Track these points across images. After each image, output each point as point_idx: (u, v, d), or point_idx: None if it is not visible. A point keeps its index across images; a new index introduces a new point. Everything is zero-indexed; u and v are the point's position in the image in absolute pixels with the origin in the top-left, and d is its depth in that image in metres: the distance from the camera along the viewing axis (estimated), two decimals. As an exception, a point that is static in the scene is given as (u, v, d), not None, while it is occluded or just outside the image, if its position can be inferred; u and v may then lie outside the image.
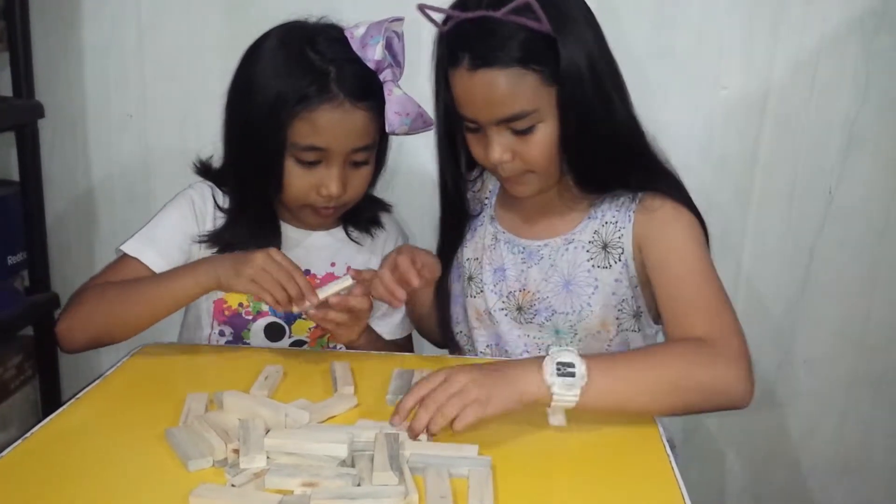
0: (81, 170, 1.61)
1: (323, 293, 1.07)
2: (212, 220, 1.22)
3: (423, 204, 1.39)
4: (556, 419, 0.94)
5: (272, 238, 1.20)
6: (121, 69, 1.55)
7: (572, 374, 0.90)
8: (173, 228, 1.19)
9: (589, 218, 1.17)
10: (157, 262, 1.15)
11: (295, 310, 1.06)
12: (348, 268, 1.25)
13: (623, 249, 1.14)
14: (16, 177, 1.55)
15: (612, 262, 1.15)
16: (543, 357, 0.92)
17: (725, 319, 1.04)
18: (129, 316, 1.09)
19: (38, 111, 1.51)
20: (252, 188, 1.18)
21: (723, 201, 1.50)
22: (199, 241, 1.20)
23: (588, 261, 1.16)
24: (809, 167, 1.48)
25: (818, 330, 1.57)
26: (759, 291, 1.55)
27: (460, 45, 1.05)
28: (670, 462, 0.87)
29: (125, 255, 1.17)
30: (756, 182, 1.50)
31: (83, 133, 1.59)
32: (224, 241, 1.20)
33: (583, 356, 0.92)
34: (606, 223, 1.16)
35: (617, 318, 1.17)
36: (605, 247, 1.15)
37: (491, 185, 1.29)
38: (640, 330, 1.19)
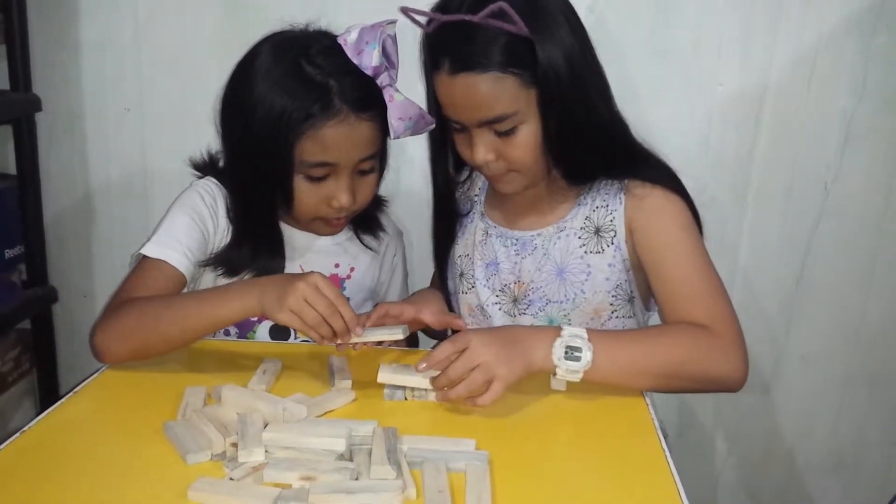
0: (78, 163, 1.61)
1: (370, 336, 1.02)
2: (224, 219, 1.20)
3: (423, 204, 1.38)
4: (558, 385, 1.02)
5: (275, 259, 1.19)
6: (118, 63, 1.55)
7: (578, 359, 0.97)
8: (190, 227, 1.15)
9: (578, 205, 1.18)
10: (183, 261, 1.12)
11: (338, 342, 1.01)
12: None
13: (616, 232, 1.15)
14: (13, 170, 1.55)
15: (604, 246, 1.16)
16: (557, 331, 0.98)
17: (721, 307, 1.08)
18: (172, 334, 1.04)
19: (36, 105, 1.51)
20: (259, 207, 1.17)
21: (720, 197, 1.50)
22: (204, 266, 1.18)
23: (580, 247, 1.17)
24: (806, 164, 1.49)
25: (814, 326, 1.58)
26: (756, 287, 1.56)
27: (441, 50, 1.06)
28: (665, 456, 0.88)
29: (147, 259, 1.12)
30: (753, 178, 1.51)
31: (80, 127, 1.59)
32: (228, 262, 1.18)
33: (591, 337, 0.98)
34: (597, 208, 1.17)
35: (611, 304, 1.17)
36: (597, 231, 1.16)
37: (480, 183, 1.29)
38: (633, 315, 1.20)
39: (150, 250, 1.12)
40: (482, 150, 1.09)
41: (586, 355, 0.97)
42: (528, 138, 1.08)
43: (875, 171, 1.48)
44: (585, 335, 0.99)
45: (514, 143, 1.08)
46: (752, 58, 1.44)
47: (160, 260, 1.11)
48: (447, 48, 1.05)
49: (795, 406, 1.63)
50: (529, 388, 1.03)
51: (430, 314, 1.12)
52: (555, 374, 0.99)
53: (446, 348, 0.96)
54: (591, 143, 1.10)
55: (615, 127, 1.14)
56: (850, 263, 1.54)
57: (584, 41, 1.09)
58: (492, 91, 1.04)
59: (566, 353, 0.97)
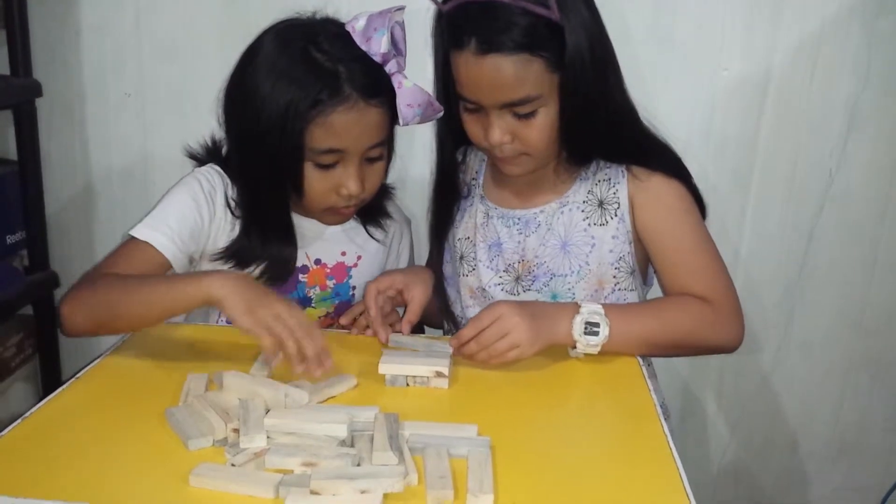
0: (79, 148, 1.60)
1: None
2: (223, 208, 1.18)
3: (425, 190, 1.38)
4: (576, 354, 1.07)
5: (287, 247, 1.19)
6: (119, 48, 1.54)
7: (596, 334, 1.04)
8: (184, 213, 1.15)
9: (580, 179, 1.20)
10: (170, 246, 1.12)
11: (299, 370, 0.95)
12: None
13: (619, 204, 1.17)
14: (14, 156, 1.54)
15: (608, 218, 1.18)
16: (576, 308, 1.05)
17: (720, 280, 1.15)
18: (133, 312, 1.04)
19: (36, 90, 1.50)
20: (268, 196, 1.16)
21: (723, 184, 1.50)
22: (213, 259, 1.17)
23: (584, 220, 1.19)
24: (810, 150, 1.48)
25: (816, 313, 1.58)
26: (758, 274, 1.55)
27: (466, 28, 1.04)
28: (667, 440, 0.87)
29: (134, 240, 1.12)
30: (756, 165, 1.50)
31: (81, 112, 1.58)
32: (237, 255, 1.17)
33: (607, 312, 1.05)
34: (599, 181, 1.19)
35: (614, 277, 1.19)
36: (601, 204, 1.18)
37: (476, 167, 1.29)
38: (634, 289, 1.22)
39: (139, 232, 1.12)
40: (498, 132, 1.09)
41: (604, 330, 1.04)
42: (546, 122, 1.09)
43: (879, 157, 1.48)
44: (602, 311, 1.04)
45: (532, 126, 1.09)
46: (754, 43, 1.43)
47: (146, 243, 1.11)
48: (473, 26, 1.04)
49: (797, 393, 1.63)
50: (531, 373, 1.03)
51: (412, 309, 1.16)
52: (574, 347, 1.05)
53: (481, 322, 1.02)
54: (604, 128, 1.11)
55: (627, 113, 1.15)
56: (852, 250, 1.53)
57: (603, 27, 1.10)
58: (519, 73, 1.04)
59: (585, 328, 1.04)
